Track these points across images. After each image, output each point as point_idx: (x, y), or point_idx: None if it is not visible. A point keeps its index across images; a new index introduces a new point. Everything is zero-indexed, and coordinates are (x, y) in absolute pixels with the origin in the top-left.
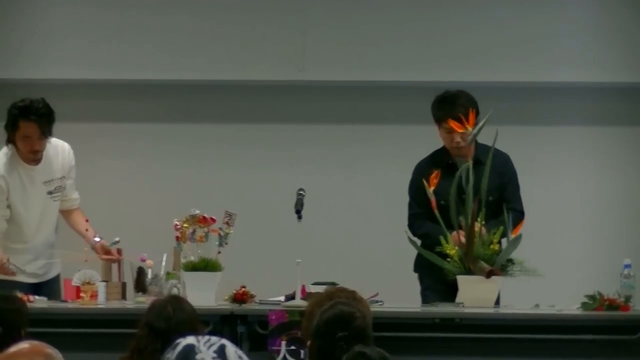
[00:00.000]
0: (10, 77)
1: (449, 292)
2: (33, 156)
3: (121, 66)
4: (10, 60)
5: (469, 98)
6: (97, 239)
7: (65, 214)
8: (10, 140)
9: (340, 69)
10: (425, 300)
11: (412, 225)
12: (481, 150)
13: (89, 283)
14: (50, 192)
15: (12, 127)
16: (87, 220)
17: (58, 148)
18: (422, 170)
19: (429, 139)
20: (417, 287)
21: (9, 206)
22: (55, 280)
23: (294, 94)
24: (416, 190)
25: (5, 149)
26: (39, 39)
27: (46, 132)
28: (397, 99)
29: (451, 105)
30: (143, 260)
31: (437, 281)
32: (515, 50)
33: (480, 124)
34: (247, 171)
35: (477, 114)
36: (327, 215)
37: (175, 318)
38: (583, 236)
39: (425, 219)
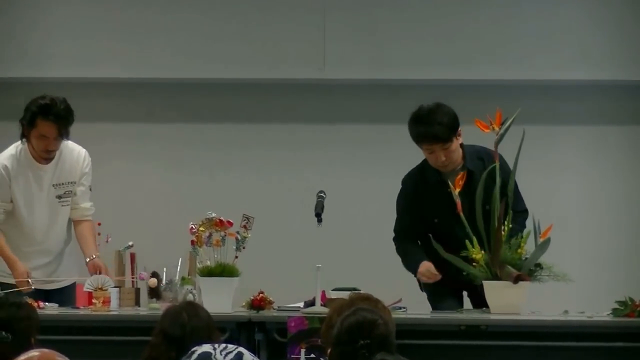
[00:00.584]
0: (17, 75)
1: (454, 294)
2: (46, 155)
3: (136, 65)
4: (16, 58)
5: (446, 112)
6: (93, 256)
7: (74, 224)
8: (25, 136)
9: (361, 68)
10: (435, 305)
11: (395, 240)
12: (470, 157)
13: (101, 289)
14: (59, 197)
15: (29, 124)
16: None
17: (74, 152)
18: (410, 185)
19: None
20: None
21: (11, 200)
22: (70, 288)
23: (314, 93)
24: (403, 205)
25: (17, 143)
26: (45, 37)
27: (64, 133)
28: (420, 98)
29: (427, 124)
30: (142, 279)
31: (440, 284)
32: (536, 48)
33: (507, 124)
34: (265, 173)
35: (457, 126)
36: (348, 218)
37: (190, 325)
38: (613, 240)
39: (408, 238)
